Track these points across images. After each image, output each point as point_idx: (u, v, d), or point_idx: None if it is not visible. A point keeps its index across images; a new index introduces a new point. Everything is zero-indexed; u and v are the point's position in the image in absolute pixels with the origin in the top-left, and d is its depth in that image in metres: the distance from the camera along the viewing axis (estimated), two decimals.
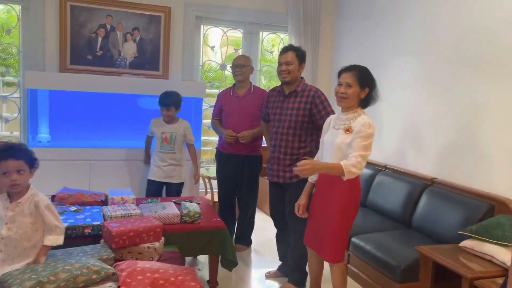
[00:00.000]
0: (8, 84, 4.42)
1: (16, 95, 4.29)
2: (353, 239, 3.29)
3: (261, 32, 5.01)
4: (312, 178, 2.64)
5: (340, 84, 2.43)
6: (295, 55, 2.94)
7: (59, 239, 2.08)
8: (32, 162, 2.07)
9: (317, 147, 2.92)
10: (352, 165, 2.24)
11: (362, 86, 2.40)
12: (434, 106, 3.60)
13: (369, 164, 4.21)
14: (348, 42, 4.86)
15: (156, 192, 3.62)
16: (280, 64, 2.99)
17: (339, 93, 2.41)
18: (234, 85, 3.71)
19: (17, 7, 4.18)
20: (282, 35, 5.13)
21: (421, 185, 3.48)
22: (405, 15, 3.97)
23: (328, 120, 2.60)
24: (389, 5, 4.19)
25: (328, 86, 5.19)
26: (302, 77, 3.04)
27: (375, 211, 3.84)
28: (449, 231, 2.98)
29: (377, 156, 4.29)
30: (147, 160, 3.85)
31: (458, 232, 2.74)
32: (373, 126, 2.33)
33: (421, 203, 3.37)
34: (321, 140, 2.59)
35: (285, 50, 2.99)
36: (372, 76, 2.45)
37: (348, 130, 2.35)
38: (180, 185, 3.69)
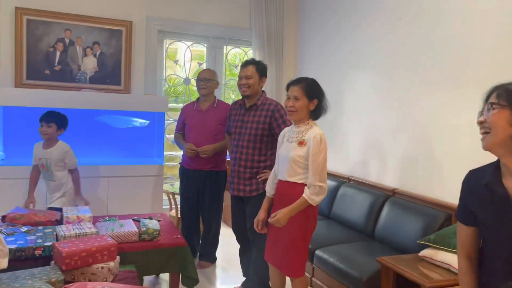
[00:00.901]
0: None
1: None
2: (317, 252, 3.27)
3: (225, 46, 5.01)
4: (269, 193, 2.62)
5: (288, 98, 2.45)
6: (255, 69, 2.96)
7: (2, 263, 1.97)
8: None
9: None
10: (315, 194, 2.34)
11: (310, 98, 2.41)
12: (392, 118, 3.67)
13: (333, 176, 4.25)
14: (310, 55, 4.93)
15: None
16: (240, 78, 3.00)
17: (287, 107, 2.44)
18: (198, 99, 3.68)
19: None
20: (246, 49, 5.15)
21: (383, 196, 3.52)
22: (362, 28, 4.07)
23: (282, 133, 2.61)
24: (348, 19, 4.28)
25: None
26: (263, 91, 3.05)
27: (339, 222, 3.86)
28: (410, 241, 3.01)
29: (341, 168, 4.33)
30: (31, 195, 3.32)
31: (417, 241, 2.78)
32: (324, 139, 2.36)
33: (383, 214, 3.41)
34: (277, 153, 2.59)
35: (245, 64, 3.01)
36: (319, 87, 2.48)
37: (301, 143, 2.37)
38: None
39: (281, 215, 2.37)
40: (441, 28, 3.20)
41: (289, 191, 2.40)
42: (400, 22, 3.61)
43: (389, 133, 3.72)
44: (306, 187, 2.35)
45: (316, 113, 2.46)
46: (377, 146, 3.88)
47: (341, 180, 4.12)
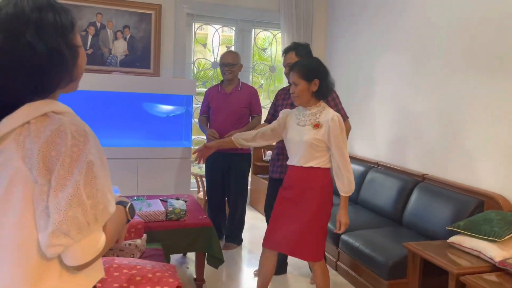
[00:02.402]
0: None
1: None
2: (343, 236, 3.25)
3: (253, 30, 4.98)
4: (238, 141, 2.57)
5: (290, 83, 2.42)
6: (294, 54, 2.89)
7: None
8: None
9: None
10: (350, 183, 2.37)
11: (309, 80, 2.34)
12: (423, 103, 3.56)
13: (361, 161, 4.18)
14: (340, 39, 4.83)
15: None
16: (283, 65, 2.97)
17: (291, 93, 2.41)
18: (222, 81, 3.68)
19: None
20: (275, 32, 5.10)
21: (412, 182, 3.44)
22: (396, 10, 3.94)
23: (284, 115, 2.52)
24: (379, 5, 4.15)
25: None
26: None
27: (366, 208, 3.81)
28: (439, 227, 2.94)
29: (369, 153, 4.25)
30: None
31: (447, 228, 2.71)
32: (340, 118, 2.33)
33: (412, 200, 3.34)
34: (285, 138, 2.50)
35: (285, 51, 2.96)
36: (320, 66, 2.40)
37: (316, 126, 2.32)
38: None
39: (344, 219, 2.43)
40: (476, 10, 3.05)
41: (308, 177, 2.36)
42: (433, 3, 3.47)
43: (419, 118, 3.61)
44: (341, 179, 2.34)
45: (321, 93, 2.38)
46: (406, 131, 3.78)
47: (369, 165, 4.05)
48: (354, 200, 3.98)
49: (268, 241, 2.53)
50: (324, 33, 5.11)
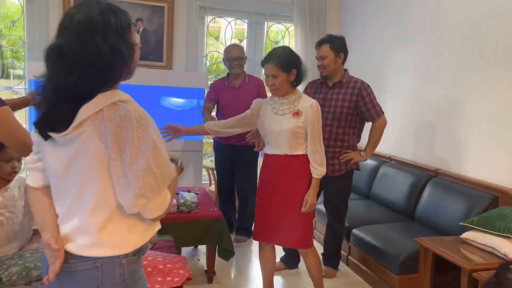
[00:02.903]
0: (18, 77, 4.48)
1: (23, 86, 4.33)
2: (354, 231, 3.24)
3: (266, 22, 4.95)
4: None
5: (267, 76, 2.38)
6: (328, 47, 2.86)
7: None
8: None
9: (357, 140, 2.98)
10: (320, 166, 2.37)
11: (288, 71, 2.34)
12: (438, 96, 3.51)
13: (373, 155, 4.13)
14: (353, 31, 4.77)
15: None
16: (317, 59, 2.96)
17: (269, 86, 2.38)
18: (227, 75, 3.66)
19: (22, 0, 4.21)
20: (287, 25, 5.06)
21: (425, 176, 3.41)
22: (409, 3, 3.87)
23: (257, 105, 2.51)
24: None
25: None
26: (345, 69, 2.98)
27: (378, 203, 3.78)
28: (452, 223, 2.91)
29: (381, 147, 4.18)
30: None
31: (460, 223, 2.67)
32: (318, 106, 2.35)
33: (424, 195, 3.30)
34: (262, 128, 2.47)
35: (318, 44, 2.94)
36: (294, 55, 2.40)
37: (296, 113, 2.33)
38: None
39: (311, 198, 2.39)
40: (490, 1, 2.98)
41: (293, 164, 2.38)
42: None
43: (432, 111, 3.56)
44: (312, 163, 2.36)
45: (297, 81, 2.39)
46: (419, 125, 3.73)
47: (382, 160, 4.02)
48: (366, 194, 3.95)
49: (259, 235, 2.53)
50: (337, 26, 5.05)
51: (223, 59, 3.62)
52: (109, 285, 1.16)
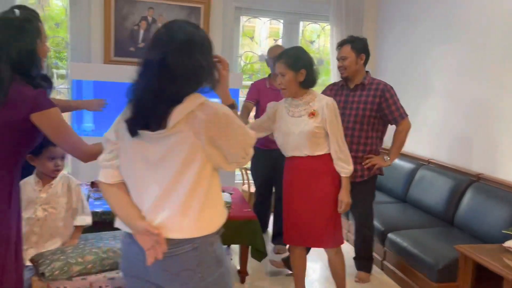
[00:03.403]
0: (62, 77, 4.66)
1: (66, 86, 4.50)
2: (389, 235, 3.17)
3: (301, 22, 4.91)
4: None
5: (277, 74, 2.37)
6: (350, 47, 2.81)
7: (88, 219, 2.19)
8: None
9: (380, 144, 2.92)
10: (347, 163, 2.37)
11: (296, 70, 2.29)
12: (481, 97, 3.37)
13: (411, 158, 4.04)
14: (391, 30, 4.67)
15: None
16: (337, 59, 2.92)
17: (277, 85, 2.36)
18: (269, 75, 3.65)
19: (66, 1, 4.37)
20: (323, 25, 5.01)
21: (466, 181, 3.29)
22: (451, 0, 3.74)
23: (272, 109, 2.48)
24: None
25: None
26: (367, 71, 2.92)
27: (415, 207, 3.68)
28: (494, 230, 2.80)
29: (420, 149, 4.09)
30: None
31: (502, 231, 2.56)
32: (334, 104, 2.33)
33: (465, 200, 3.19)
34: (279, 131, 2.45)
35: (339, 44, 2.90)
36: (305, 55, 2.36)
37: (312, 114, 2.30)
38: None
39: (346, 198, 2.37)
40: None
41: (315, 164, 2.36)
42: None
43: (475, 114, 3.42)
44: (338, 162, 2.34)
45: (307, 82, 2.34)
46: (461, 127, 3.60)
47: (420, 163, 3.91)
48: (402, 198, 3.86)
49: (289, 238, 2.52)
50: (374, 25, 4.95)
51: (265, 59, 3.60)
52: (206, 262, 1.33)
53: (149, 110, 1.29)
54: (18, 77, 1.57)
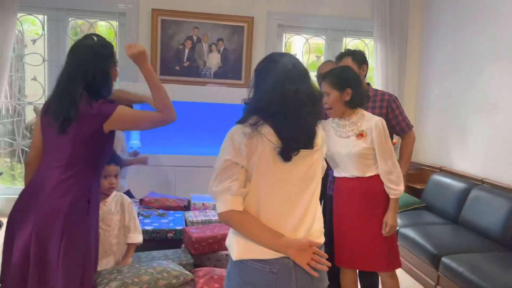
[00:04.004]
0: None
1: None
2: (443, 259, 3.02)
3: (344, 38, 4.88)
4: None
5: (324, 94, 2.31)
6: (351, 59, 2.67)
7: (140, 237, 2.21)
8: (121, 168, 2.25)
9: None
10: (396, 184, 2.26)
11: (341, 89, 2.22)
12: None
13: (462, 177, 3.88)
14: (437, 46, 4.54)
15: None
16: None
17: (324, 104, 2.28)
18: None
19: (115, 23, 4.54)
20: (367, 41, 4.95)
21: None
22: (504, 14, 3.60)
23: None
24: (485, 4, 3.83)
25: (416, 93, 4.89)
26: (368, 83, 2.84)
27: (469, 229, 3.50)
28: None
29: (472, 168, 3.93)
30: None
31: None
32: (384, 123, 2.25)
33: None
34: (327, 151, 2.32)
35: (339, 57, 2.75)
36: (351, 74, 2.28)
37: (361, 135, 2.22)
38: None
39: (391, 220, 2.27)
40: None
41: (365, 186, 2.28)
42: None
43: None
44: (387, 183, 2.25)
45: (354, 102, 2.26)
46: None
47: (473, 183, 3.73)
48: (455, 219, 3.69)
49: (340, 260, 2.42)
50: (420, 40, 4.85)
51: (316, 75, 3.58)
52: None
53: (310, 130, 1.45)
54: (86, 94, 1.74)
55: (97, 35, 1.86)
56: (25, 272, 1.71)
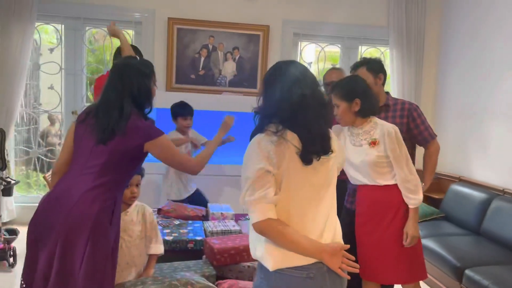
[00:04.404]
0: None
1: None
2: (467, 271, 2.95)
3: (360, 46, 4.85)
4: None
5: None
6: (365, 69, 2.60)
7: (162, 248, 2.20)
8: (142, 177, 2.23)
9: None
10: (414, 193, 2.21)
11: (349, 100, 2.21)
12: None
13: (483, 187, 3.81)
14: (455, 53, 4.49)
15: None
16: None
17: (334, 115, 2.28)
18: None
19: (131, 32, 4.56)
20: (383, 49, 4.92)
21: None
22: None
23: (335, 133, 2.36)
24: (504, 11, 3.78)
25: (433, 101, 4.84)
26: (387, 92, 2.78)
27: (491, 240, 3.43)
28: None
29: (493, 178, 3.85)
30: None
31: None
32: (397, 130, 2.21)
33: None
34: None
35: (354, 67, 2.69)
36: (358, 84, 2.26)
37: (373, 143, 2.20)
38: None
39: (411, 231, 2.21)
40: None
41: (385, 196, 2.24)
42: None
43: None
44: (405, 193, 2.21)
45: (364, 111, 2.23)
46: None
47: (494, 193, 3.66)
48: (476, 231, 3.62)
49: (362, 272, 2.34)
50: (437, 48, 4.80)
51: (322, 84, 3.54)
52: None
53: (321, 132, 1.48)
54: (135, 110, 1.83)
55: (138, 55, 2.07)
56: (47, 277, 1.71)
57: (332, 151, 1.50)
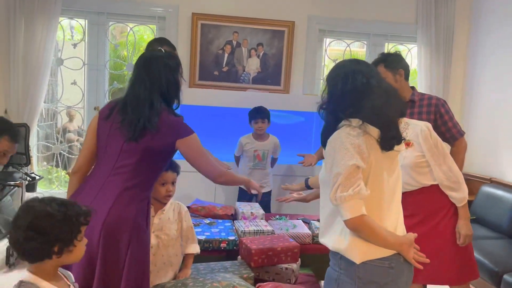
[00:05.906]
0: None
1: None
2: (505, 276, 2.85)
3: (386, 44, 4.74)
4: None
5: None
6: (383, 66, 2.48)
7: (198, 247, 2.15)
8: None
9: None
10: (459, 191, 2.14)
11: None
12: None
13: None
14: (486, 51, 4.37)
15: None
16: None
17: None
18: None
19: (154, 27, 4.50)
20: (410, 46, 4.81)
21: None
22: None
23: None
24: None
25: (461, 99, 4.72)
26: (412, 87, 2.68)
27: None
28: None
29: None
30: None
31: None
32: (430, 127, 2.14)
33: None
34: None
35: (374, 64, 2.57)
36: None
37: (407, 144, 2.11)
38: (269, 193, 3.71)
39: (464, 230, 2.13)
40: None
41: (424, 197, 2.18)
42: None
43: None
44: (447, 192, 2.14)
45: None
46: None
47: None
48: (509, 234, 3.51)
49: (416, 275, 2.29)
50: (466, 46, 4.68)
51: None
52: None
53: (396, 123, 1.51)
54: (164, 106, 1.75)
55: (165, 42, 1.98)
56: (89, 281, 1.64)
57: (404, 139, 1.54)
